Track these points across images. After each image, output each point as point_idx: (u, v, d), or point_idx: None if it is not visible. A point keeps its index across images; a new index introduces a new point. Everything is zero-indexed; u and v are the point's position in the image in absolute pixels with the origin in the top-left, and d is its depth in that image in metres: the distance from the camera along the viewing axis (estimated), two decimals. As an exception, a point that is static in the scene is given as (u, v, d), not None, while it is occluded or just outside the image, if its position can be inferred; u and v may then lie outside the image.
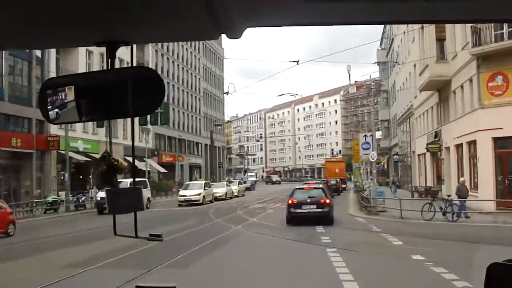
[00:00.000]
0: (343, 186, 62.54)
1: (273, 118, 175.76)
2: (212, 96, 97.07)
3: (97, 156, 52.65)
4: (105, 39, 1.80)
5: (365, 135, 33.56)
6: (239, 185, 60.13)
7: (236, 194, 56.09)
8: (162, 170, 67.29)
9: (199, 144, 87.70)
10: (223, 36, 1.74)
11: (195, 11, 1.55)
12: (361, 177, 41.06)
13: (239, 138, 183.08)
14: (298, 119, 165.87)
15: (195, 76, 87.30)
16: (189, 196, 42.51)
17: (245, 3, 1.51)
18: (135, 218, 2.13)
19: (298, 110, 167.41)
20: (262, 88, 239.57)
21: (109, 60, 1.85)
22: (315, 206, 24.03)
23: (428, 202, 25.49)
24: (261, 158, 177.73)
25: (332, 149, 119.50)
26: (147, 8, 1.53)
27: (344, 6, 1.55)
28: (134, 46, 1.94)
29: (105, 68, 1.89)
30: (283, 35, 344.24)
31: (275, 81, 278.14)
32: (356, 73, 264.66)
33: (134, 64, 1.91)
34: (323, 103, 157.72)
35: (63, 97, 1.91)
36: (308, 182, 43.35)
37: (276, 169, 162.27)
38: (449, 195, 25.41)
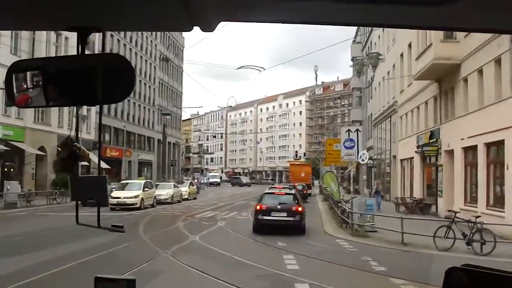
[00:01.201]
0: (308, 191, 56.83)
1: (235, 116, 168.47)
2: (169, 88, 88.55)
3: (20, 145, 45.65)
4: (77, 24, 1.77)
5: (349, 130, 25.83)
6: (191, 186, 51.90)
7: (186, 197, 48.07)
8: (105, 165, 58.72)
9: (151, 139, 79.11)
10: (196, 28, 1.72)
11: (169, 2, 1.55)
12: (337, 184, 33.14)
13: (199, 137, 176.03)
14: (261, 119, 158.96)
15: (150, 63, 78.70)
16: (123, 198, 34.14)
17: None
18: (98, 207, 2.14)
19: (261, 109, 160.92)
20: (224, 86, 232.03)
21: (80, 46, 1.81)
22: (285, 214, 21.81)
23: (444, 225, 17.81)
24: (221, 158, 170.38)
25: (296, 151, 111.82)
26: None
27: (317, 4, 1.53)
28: (106, 33, 1.94)
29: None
30: (251, 36, 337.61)
31: (239, 81, 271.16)
32: (324, 78, 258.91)
33: (106, 51, 1.92)
34: (287, 104, 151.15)
35: (30, 81, 1.87)
36: (275, 186, 36.32)
37: (236, 170, 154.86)
38: (477, 216, 17.72)
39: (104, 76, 1.75)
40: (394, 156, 44.54)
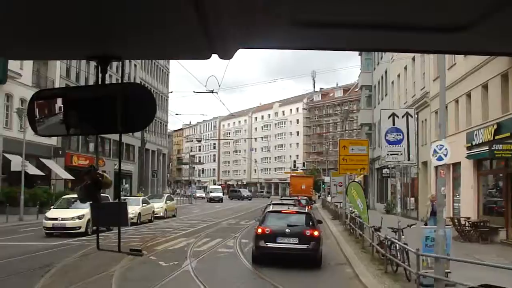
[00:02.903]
0: (312, 205, 47.77)
1: (228, 126, 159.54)
2: (152, 90, 78.87)
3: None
4: (96, 53, 1.78)
5: (394, 115, 16.28)
6: (168, 201, 42.06)
7: (161, 214, 38.45)
8: (67, 176, 49.02)
9: (131, 147, 69.34)
10: (214, 56, 1.72)
11: (187, 31, 1.56)
12: (364, 200, 22.84)
13: (191, 147, 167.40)
14: (256, 129, 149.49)
15: (130, 61, 69.13)
16: (62, 219, 24.48)
17: (239, 25, 1.53)
18: (118, 232, 2.25)
19: (256, 118, 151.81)
20: (215, 97, 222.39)
21: (100, 74, 1.83)
22: (297, 240, 16.53)
23: None
24: (214, 169, 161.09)
25: (295, 161, 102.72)
26: (136, 24, 1.55)
27: (330, 33, 1.58)
28: (126, 62, 1.77)
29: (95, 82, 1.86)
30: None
31: (234, 93, 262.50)
32: (322, 86, 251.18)
33: (126, 80, 1.68)
34: (283, 112, 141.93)
35: (53, 110, 1.90)
36: (281, 202, 29.67)
37: (229, 182, 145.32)
38: None
39: (124, 105, 1.77)
40: (425, 163, 34.99)
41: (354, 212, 25.76)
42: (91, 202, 2.10)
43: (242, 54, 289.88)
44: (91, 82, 55.28)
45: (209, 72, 78.57)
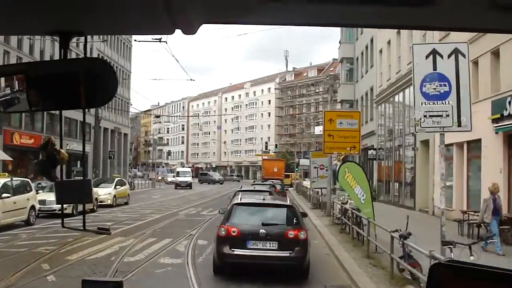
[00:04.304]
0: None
1: (197, 107, 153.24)
2: (113, 64, 71.73)
3: None
4: (58, 28, 1.75)
5: (435, 52, 10.12)
6: (118, 186, 35.53)
7: (109, 202, 32.15)
8: (5, 157, 42.21)
9: (86, 125, 62.47)
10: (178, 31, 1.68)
11: (150, 5, 1.54)
12: (367, 187, 16.01)
13: (159, 129, 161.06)
14: (226, 109, 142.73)
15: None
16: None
17: None
18: (83, 210, 2.45)
19: (226, 99, 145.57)
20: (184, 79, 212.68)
21: (62, 50, 1.79)
22: (275, 245, 11.87)
23: None
24: (182, 152, 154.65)
25: (266, 143, 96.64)
26: None
27: (293, 8, 1.54)
28: (88, 37, 1.91)
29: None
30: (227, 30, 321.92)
31: (204, 74, 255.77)
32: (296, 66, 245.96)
33: (88, 55, 2.03)
34: (255, 92, 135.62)
35: (13, 85, 1.85)
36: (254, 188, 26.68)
37: (198, 165, 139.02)
38: None
39: (86, 81, 1.73)
40: (425, 142, 29.13)
41: (348, 202, 19.62)
42: (49, 179, 2.13)
43: (217, 34, 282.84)
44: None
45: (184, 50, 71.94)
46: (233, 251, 11.93)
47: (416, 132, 17.76)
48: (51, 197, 25.71)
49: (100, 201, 31.17)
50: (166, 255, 14.72)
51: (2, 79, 1.86)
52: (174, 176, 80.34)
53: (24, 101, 1.83)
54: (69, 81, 1.76)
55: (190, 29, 1.65)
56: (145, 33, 1.87)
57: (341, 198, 22.01)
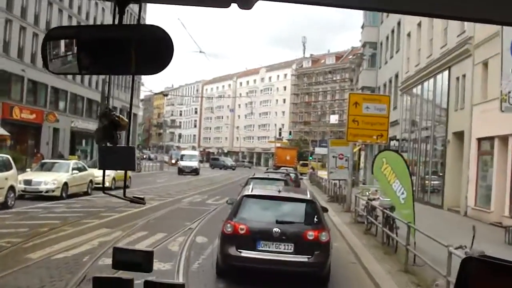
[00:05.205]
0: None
1: (211, 90, 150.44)
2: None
3: None
4: None
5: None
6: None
7: (107, 185, 29.19)
8: (2, 131, 39.52)
9: (94, 103, 59.74)
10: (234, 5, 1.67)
11: None
12: (410, 182, 13.12)
13: (172, 111, 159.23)
14: (240, 94, 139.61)
15: (98, 5, 59.04)
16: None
17: None
18: (125, 177, 2.62)
19: (240, 83, 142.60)
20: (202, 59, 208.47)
21: (117, 16, 1.81)
22: (291, 247, 10.04)
23: None
24: (194, 135, 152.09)
25: (280, 129, 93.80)
26: None
27: None
28: (143, 4, 1.97)
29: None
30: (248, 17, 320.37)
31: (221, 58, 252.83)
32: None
33: (143, 22, 2.07)
34: (270, 78, 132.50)
35: (66, 48, 1.87)
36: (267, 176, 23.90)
37: (210, 150, 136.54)
38: None
39: (140, 47, 1.74)
40: (459, 134, 26.11)
41: (377, 198, 16.64)
42: (106, 143, 2.09)
43: (242, 19, 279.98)
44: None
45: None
46: (240, 252, 10.07)
47: (503, 110, 14.75)
48: (38, 177, 23.06)
49: (97, 183, 28.31)
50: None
51: (55, 41, 1.84)
52: (178, 160, 70.62)
53: (75, 64, 1.82)
54: (121, 47, 1.75)
55: (246, 4, 1.63)
56: (203, 4, 1.85)
57: (367, 193, 19.03)
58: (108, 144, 2.09)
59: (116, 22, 1.77)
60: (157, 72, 1.83)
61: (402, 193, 12.35)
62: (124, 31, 1.81)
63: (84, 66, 1.84)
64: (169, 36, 1.75)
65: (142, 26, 1.88)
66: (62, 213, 18.88)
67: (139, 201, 2.32)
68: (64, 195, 23.31)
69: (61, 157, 42.80)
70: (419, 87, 34.00)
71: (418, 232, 11.67)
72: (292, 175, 34.42)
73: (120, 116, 2.08)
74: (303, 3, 1.65)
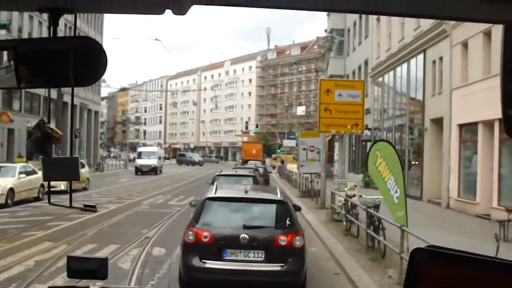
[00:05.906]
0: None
1: (176, 85, 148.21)
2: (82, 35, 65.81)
3: None
4: (48, 5, 1.72)
5: None
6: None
7: (62, 188, 26.92)
8: None
9: (52, 101, 56.91)
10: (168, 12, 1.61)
11: None
12: (401, 177, 11.46)
13: (136, 108, 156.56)
14: (205, 88, 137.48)
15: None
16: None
17: None
18: (70, 187, 2.63)
19: (205, 77, 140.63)
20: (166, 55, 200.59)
21: (52, 27, 1.76)
22: (262, 255, 9.08)
23: None
24: (160, 132, 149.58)
25: (247, 123, 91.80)
26: None
27: None
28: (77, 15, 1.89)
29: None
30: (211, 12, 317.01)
31: (185, 53, 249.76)
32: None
33: (78, 34, 1.95)
34: (235, 70, 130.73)
35: (1, 61, 1.83)
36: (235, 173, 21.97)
37: (176, 146, 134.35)
38: None
39: (76, 59, 1.71)
40: (437, 120, 24.56)
41: (353, 194, 14.82)
42: (41, 156, 2.07)
43: (205, 13, 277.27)
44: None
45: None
46: (205, 263, 9.09)
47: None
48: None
49: (52, 187, 26.07)
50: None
51: None
52: (135, 158, 63.96)
53: (13, 77, 1.76)
54: (58, 59, 1.72)
55: (180, 10, 1.59)
56: (136, 12, 1.79)
57: (344, 189, 17.21)
58: (41, 157, 2.05)
59: (52, 34, 1.72)
60: (94, 83, 1.81)
61: (396, 191, 10.54)
62: (58, 43, 1.78)
63: (23, 80, 1.75)
64: (103, 48, 1.73)
65: (77, 38, 1.88)
66: (3, 224, 16.71)
67: (90, 209, 2.45)
68: (9, 202, 21.07)
69: (20, 157, 40.39)
70: (391, 73, 32.44)
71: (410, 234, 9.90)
72: (261, 169, 32.91)
73: (54, 129, 2.03)
74: (241, 6, 1.56)
